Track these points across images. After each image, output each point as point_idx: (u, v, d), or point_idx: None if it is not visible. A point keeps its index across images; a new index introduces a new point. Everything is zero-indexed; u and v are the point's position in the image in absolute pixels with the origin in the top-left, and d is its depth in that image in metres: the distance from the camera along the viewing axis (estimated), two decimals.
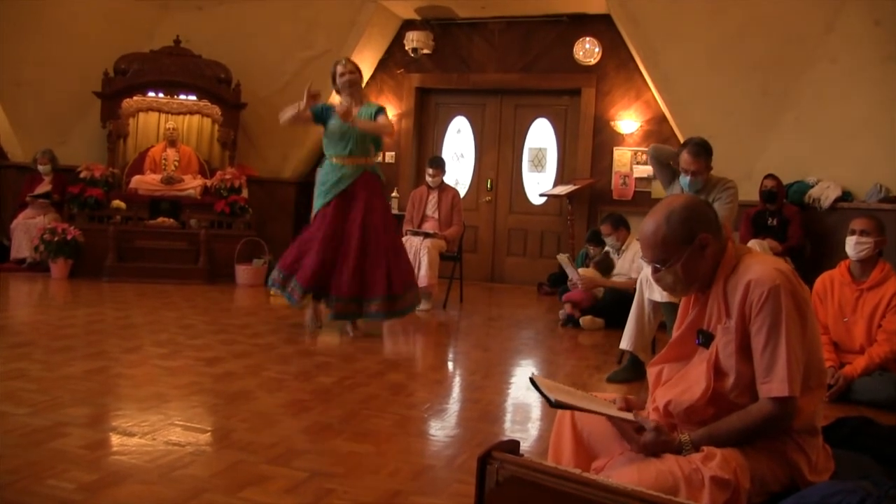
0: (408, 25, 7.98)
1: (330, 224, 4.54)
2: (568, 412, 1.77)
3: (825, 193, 6.03)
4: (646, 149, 7.23)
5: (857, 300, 3.60)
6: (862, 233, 3.55)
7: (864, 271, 3.61)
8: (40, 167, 7.21)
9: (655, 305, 3.73)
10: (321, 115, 4.60)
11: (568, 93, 7.82)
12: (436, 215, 6.25)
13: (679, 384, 1.74)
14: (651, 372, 1.85)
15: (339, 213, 4.56)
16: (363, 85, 4.72)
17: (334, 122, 4.56)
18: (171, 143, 7.47)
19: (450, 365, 4.32)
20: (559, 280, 6.56)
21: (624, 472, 1.56)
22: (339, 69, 4.64)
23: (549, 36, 7.73)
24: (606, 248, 5.64)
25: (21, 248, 6.91)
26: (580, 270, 5.48)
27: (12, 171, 7.67)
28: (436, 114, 8.43)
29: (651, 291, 3.69)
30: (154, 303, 5.49)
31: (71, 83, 7.38)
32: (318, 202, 4.69)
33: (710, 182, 3.79)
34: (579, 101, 7.70)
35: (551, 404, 1.64)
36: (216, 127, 7.66)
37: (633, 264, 5.19)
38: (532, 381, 1.70)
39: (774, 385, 1.58)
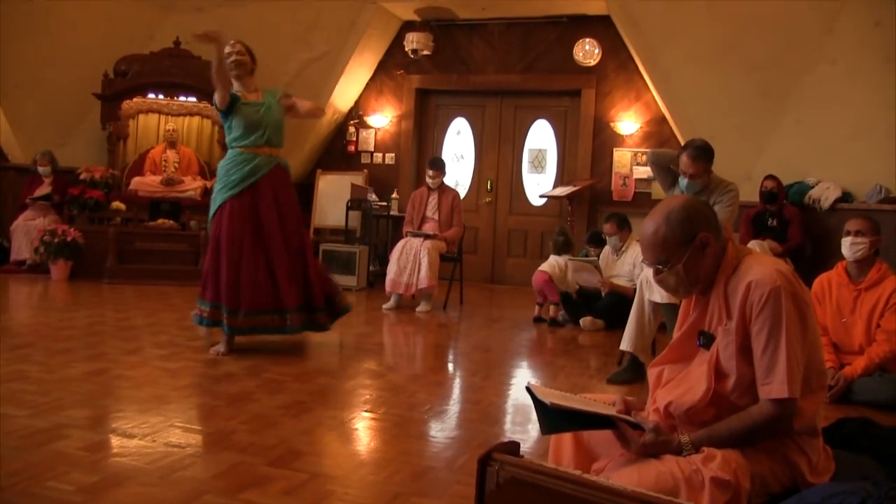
0: (407, 27, 7.98)
1: (236, 221, 3.96)
2: (569, 410, 1.76)
3: (825, 194, 6.03)
4: (646, 150, 7.24)
5: (855, 300, 3.60)
6: (857, 233, 3.56)
7: (861, 271, 3.61)
8: (40, 169, 7.22)
9: (655, 307, 3.73)
10: (231, 101, 4.04)
11: (568, 94, 7.82)
12: (436, 217, 6.25)
13: (680, 385, 1.74)
14: (651, 373, 1.85)
15: (244, 210, 3.99)
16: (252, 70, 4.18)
17: (249, 108, 4.05)
18: (171, 144, 7.48)
19: (450, 366, 4.32)
20: None
21: (624, 474, 1.56)
22: (227, 49, 4.06)
23: (548, 37, 7.73)
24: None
25: (21, 249, 6.92)
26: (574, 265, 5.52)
27: (12, 172, 7.69)
28: (435, 115, 8.43)
29: (651, 293, 3.68)
30: (154, 304, 5.49)
31: (71, 84, 7.39)
32: (220, 197, 4.02)
33: (710, 184, 3.78)
34: (579, 103, 7.71)
35: (545, 428, 1.64)
36: (216, 128, 7.66)
37: (636, 269, 5.19)
38: (528, 389, 1.70)
39: (774, 386, 1.58)
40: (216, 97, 4.02)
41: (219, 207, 4.02)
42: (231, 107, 4.02)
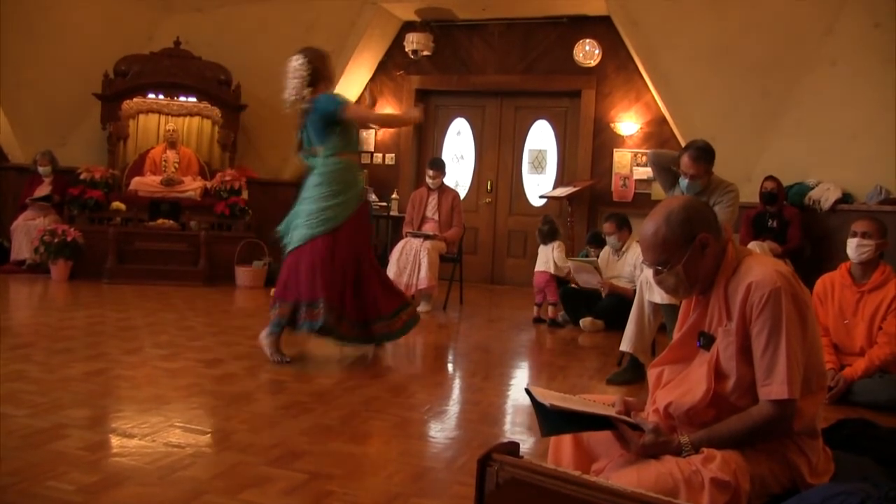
0: (408, 27, 7.98)
1: (363, 233, 4.07)
2: (568, 411, 1.76)
3: (825, 195, 6.03)
4: (646, 150, 7.24)
5: (858, 302, 3.59)
6: (864, 235, 3.54)
7: (865, 273, 3.60)
8: (40, 169, 7.22)
9: (655, 307, 3.73)
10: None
11: (568, 94, 7.82)
12: (436, 217, 6.25)
13: (680, 386, 1.74)
14: (651, 374, 1.85)
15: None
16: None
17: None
18: (171, 144, 7.48)
19: (450, 367, 4.32)
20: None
21: (623, 474, 1.56)
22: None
23: (549, 37, 7.73)
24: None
25: (21, 249, 6.92)
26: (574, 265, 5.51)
27: (12, 172, 7.68)
28: (435, 115, 8.43)
29: (651, 293, 3.68)
30: (154, 304, 5.49)
31: (71, 85, 7.39)
32: (348, 208, 3.93)
33: (710, 185, 3.78)
34: (579, 103, 7.71)
35: (544, 430, 1.64)
36: (216, 128, 7.67)
37: (637, 270, 5.19)
38: (528, 391, 1.69)
39: (774, 387, 1.58)
40: (356, 114, 3.98)
41: (351, 215, 3.92)
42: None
